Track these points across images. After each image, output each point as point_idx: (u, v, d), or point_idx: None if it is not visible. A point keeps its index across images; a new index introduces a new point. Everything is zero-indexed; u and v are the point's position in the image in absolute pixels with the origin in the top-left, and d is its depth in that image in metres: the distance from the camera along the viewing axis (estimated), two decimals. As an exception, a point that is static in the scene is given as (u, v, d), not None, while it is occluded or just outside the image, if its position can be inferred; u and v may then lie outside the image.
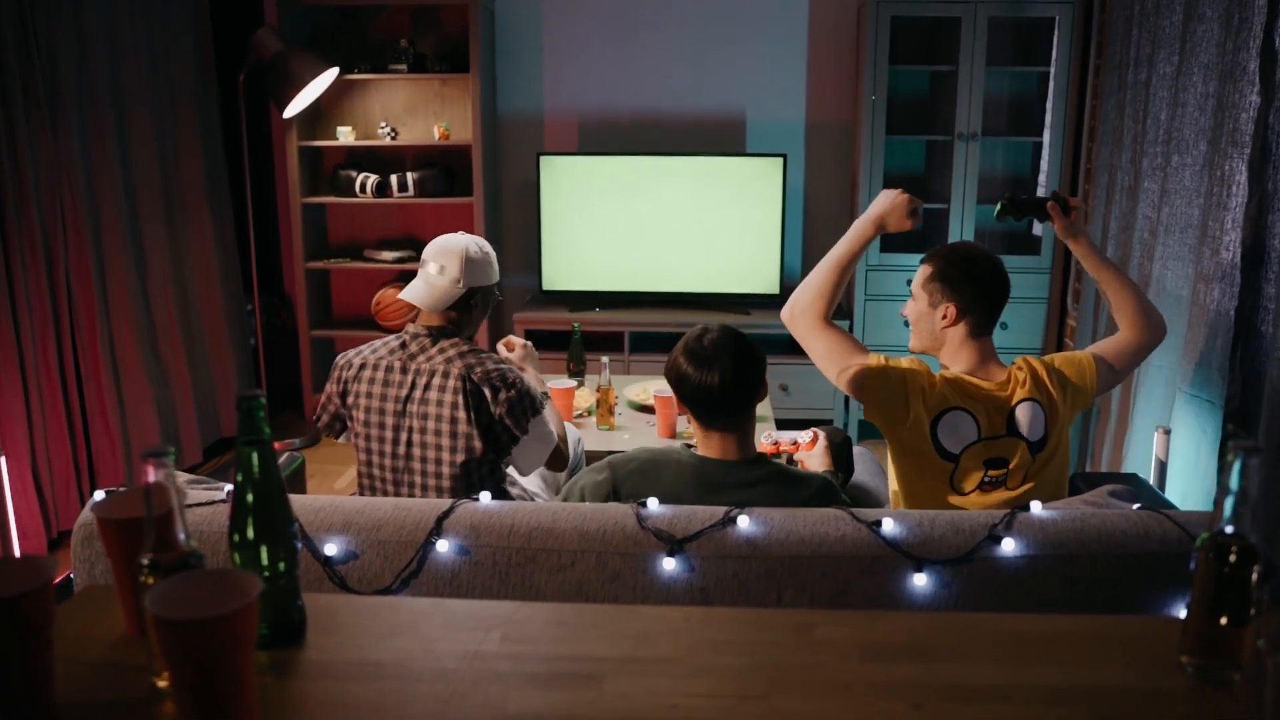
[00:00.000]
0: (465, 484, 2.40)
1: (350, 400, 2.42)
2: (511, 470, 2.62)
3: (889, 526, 1.72)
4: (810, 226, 5.16)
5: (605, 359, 3.53)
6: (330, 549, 1.73)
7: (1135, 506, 1.82)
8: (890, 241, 4.79)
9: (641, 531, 1.73)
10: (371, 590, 1.72)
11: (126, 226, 3.96)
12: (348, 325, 5.27)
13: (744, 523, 1.73)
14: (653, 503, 1.79)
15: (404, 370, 2.37)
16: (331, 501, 1.82)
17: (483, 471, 2.42)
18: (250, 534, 1.07)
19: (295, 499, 1.84)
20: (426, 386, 2.34)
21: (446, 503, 1.79)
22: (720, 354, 2.00)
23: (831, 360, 2.34)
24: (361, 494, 2.46)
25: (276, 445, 4.74)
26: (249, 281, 4.83)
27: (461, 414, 2.33)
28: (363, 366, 2.41)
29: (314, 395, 5.09)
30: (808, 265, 5.15)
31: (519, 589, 1.71)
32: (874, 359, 2.30)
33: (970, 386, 2.26)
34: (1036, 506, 1.78)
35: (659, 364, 4.78)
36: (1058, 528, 1.72)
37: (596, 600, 1.70)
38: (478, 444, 2.36)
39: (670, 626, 1.15)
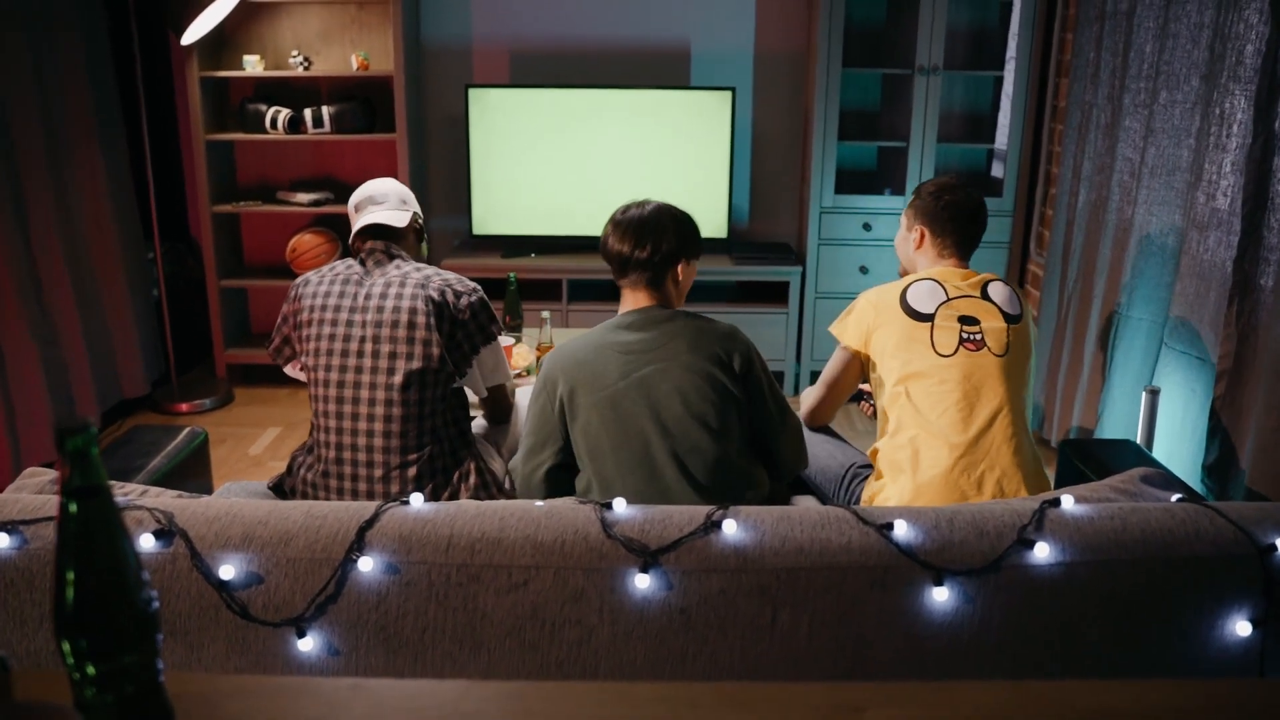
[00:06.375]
0: (419, 400, 2.27)
1: (304, 316, 2.33)
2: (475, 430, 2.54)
3: (902, 530, 1.45)
4: (760, 165, 4.85)
5: (546, 313, 3.22)
6: (227, 571, 1.41)
7: (1175, 498, 1.59)
8: (844, 183, 4.52)
9: (608, 541, 1.44)
10: (279, 619, 1.41)
11: (0, 161, 3.50)
12: (261, 274, 4.84)
13: (730, 528, 1.45)
14: (619, 504, 1.50)
15: (360, 282, 2.32)
16: (229, 509, 1.49)
17: (438, 391, 2.30)
18: (80, 626, 0.75)
19: (183, 504, 1.51)
20: (383, 295, 2.28)
21: (369, 508, 1.48)
22: (633, 227, 2.16)
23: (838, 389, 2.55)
24: (313, 420, 2.35)
25: (184, 406, 4.36)
26: (149, 226, 4.39)
27: (420, 318, 2.26)
28: (320, 281, 2.35)
29: (225, 351, 4.68)
30: (757, 207, 4.87)
31: (461, 614, 1.41)
32: (849, 340, 2.44)
33: (937, 272, 2.40)
34: (1069, 501, 1.53)
35: (600, 313, 4.47)
36: (1095, 527, 1.47)
37: (555, 626, 1.41)
38: (435, 350, 2.26)
39: (671, 712, 0.86)
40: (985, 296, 2.34)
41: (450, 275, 2.35)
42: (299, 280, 2.38)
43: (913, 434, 2.25)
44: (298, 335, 2.35)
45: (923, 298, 2.33)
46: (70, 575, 0.75)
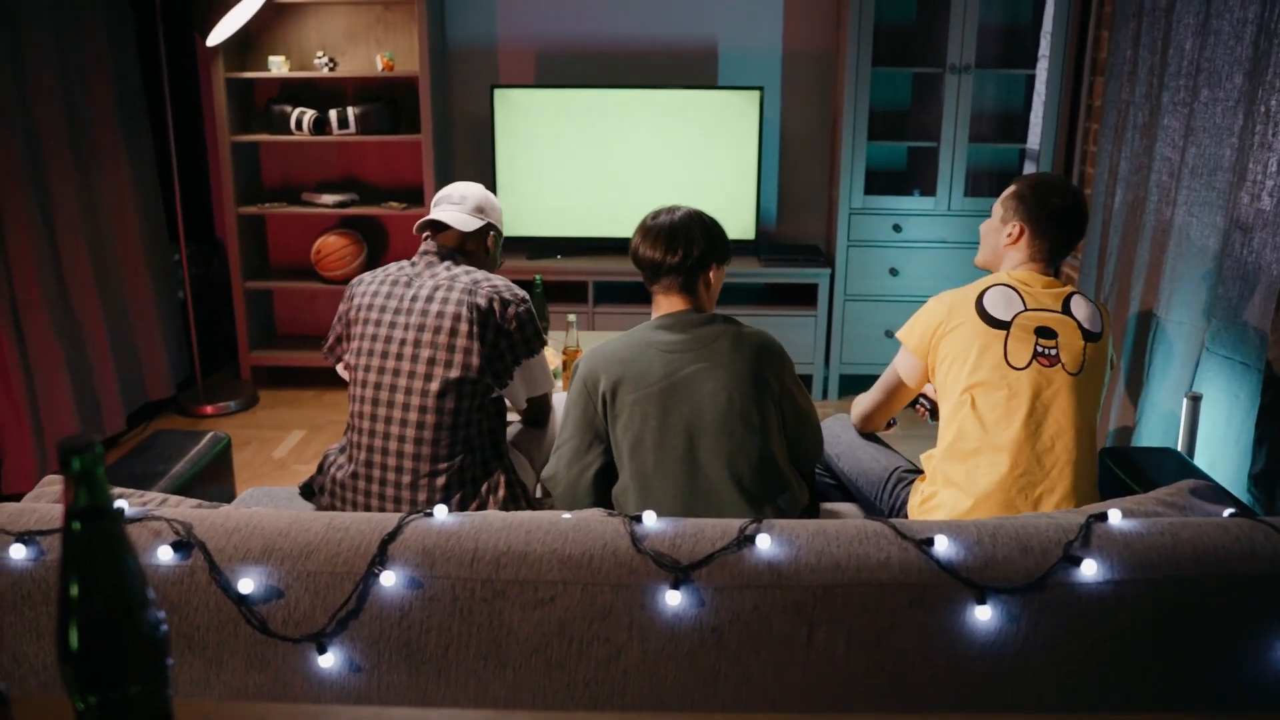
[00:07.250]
0: (454, 409, 2.23)
1: (354, 315, 2.32)
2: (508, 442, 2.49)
3: (943, 546, 1.39)
4: (788, 166, 4.79)
5: (573, 316, 3.18)
6: (246, 585, 1.37)
7: (1228, 513, 1.52)
8: (873, 184, 4.45)
9: (637, 556, 1.39)
10: (300, 635, 1.37)
11: (26, 163, 3.49)
12: (286, 275, 4.83)
13: (764, 543, 1.40)
14: (649, 517, 1.45)
15: (409, 284, 2.29)
16: (248, 520, 1.45)
17: (475, 402, 2.26)
18: (82, 655, 0.71)
19: (201, 515, 1.48)
20: (429, 299, 2.25)
21: (392, 520, 1.44)
22: (664, 233, 2.17)
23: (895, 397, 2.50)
24: (349, 420, 2.33)
25: (209, 409, 4.35)
26: (174, 228, 4.38)
27: (463, 326, 2.22)
28: (372, 281, 2.34)
29: (250, 353, 4.67)
30: (786, 207, 4.81)
31: (485, 630, 1.37)
32: (914, 343, 2.34)
33: (1019, 277, 2.29)
34: (1116, 515, 1.47)
35: (626, 316, 4.43)
36: (1145, 543, 1.41)
37: (583, 643, 1.36)
38: (475, 360, 2.22)
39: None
40: (1066, 310, 2.24)
41: (500, 282, 2.30)
42: (355, 280, 2.36)
43: (973, 446, 2.17)
44: (348, 334, 2.33)
45: (999, 304, 2.23)
46: (73, 600, 0.71)
